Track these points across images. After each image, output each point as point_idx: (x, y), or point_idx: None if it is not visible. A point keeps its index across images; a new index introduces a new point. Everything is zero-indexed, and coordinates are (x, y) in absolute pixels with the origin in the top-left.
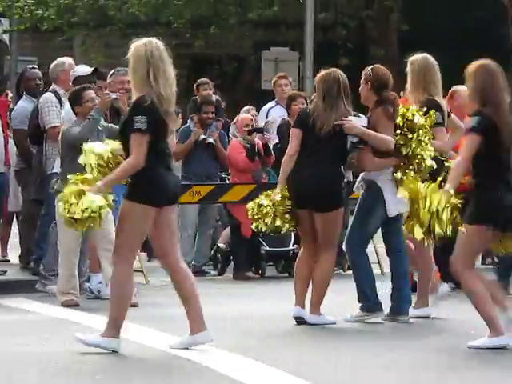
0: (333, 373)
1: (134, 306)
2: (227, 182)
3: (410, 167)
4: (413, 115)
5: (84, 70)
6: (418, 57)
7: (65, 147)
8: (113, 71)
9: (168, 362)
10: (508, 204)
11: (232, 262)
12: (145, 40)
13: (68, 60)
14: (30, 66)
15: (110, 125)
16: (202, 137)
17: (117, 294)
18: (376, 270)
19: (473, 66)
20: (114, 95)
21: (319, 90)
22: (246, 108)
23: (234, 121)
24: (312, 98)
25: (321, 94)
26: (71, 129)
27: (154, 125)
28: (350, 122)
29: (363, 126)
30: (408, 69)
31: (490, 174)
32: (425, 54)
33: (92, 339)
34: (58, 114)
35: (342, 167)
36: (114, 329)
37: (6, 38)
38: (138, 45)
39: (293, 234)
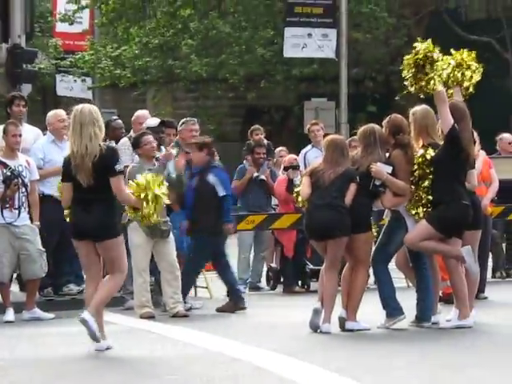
0: (383, 373)
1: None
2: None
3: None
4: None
5: (153, 122)
6: (417, 108)
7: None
8: (183, 120)
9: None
10: None
11: (282, 279)
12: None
13: (144, 112)
14: (115, 118)
15: (174, 175)
16: (255, 174)
17: None
18: (402, 284)
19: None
20: (174, 152)
21: (360, 142)
22: (278, 149)
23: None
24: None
25: (361, 146)
26: (134, 168)
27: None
28: (377, 168)
29: (388, 173)
30: (410, 119)
31: None
32: (424, 105)
33: None
34: (131, 156)
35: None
36: None
37: (89, 93)
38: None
39: None
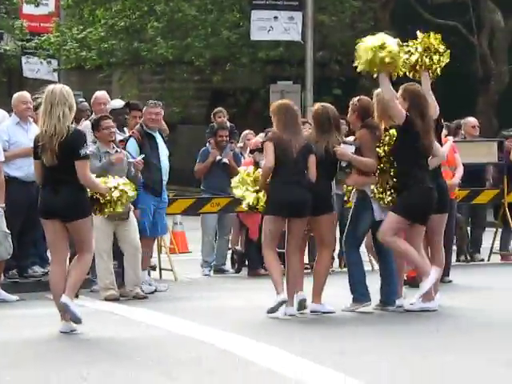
0: (352, 356)
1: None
2: None
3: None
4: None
5: (117, 104)
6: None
7: None
8: (147, 104)
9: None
10: None
11: (246, 262)
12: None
13: (103, 93)
14: (80, 100)
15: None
16: (218, 157)
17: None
18: (367, 267)
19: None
20: (132, 160)
21: (313, 123)
22: (245, 132)
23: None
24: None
25: (314, 127)
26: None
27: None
28: (341, 150)
29: (352, 153)
30: (374, 100)
31: None
32: None
33: None
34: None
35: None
36: None
37: (55, 75)
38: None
39: None
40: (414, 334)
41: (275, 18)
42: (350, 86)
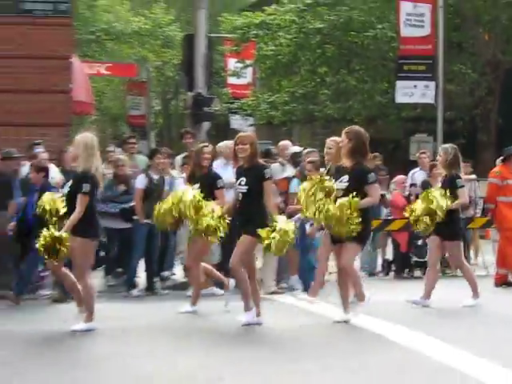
0: None
1: None
2: None
3: None
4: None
5: (297, 149)
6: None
7: None
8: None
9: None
10: None
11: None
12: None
13: (285, 142)
14: (270, 147)
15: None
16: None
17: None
18: None
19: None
20: None
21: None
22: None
23: None
24: None
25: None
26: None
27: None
28: None
29: None
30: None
31: None
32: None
33: None
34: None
35: None
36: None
37: (251, 128)
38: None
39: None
40: None
41: (415, 86)
42: (470, 137)
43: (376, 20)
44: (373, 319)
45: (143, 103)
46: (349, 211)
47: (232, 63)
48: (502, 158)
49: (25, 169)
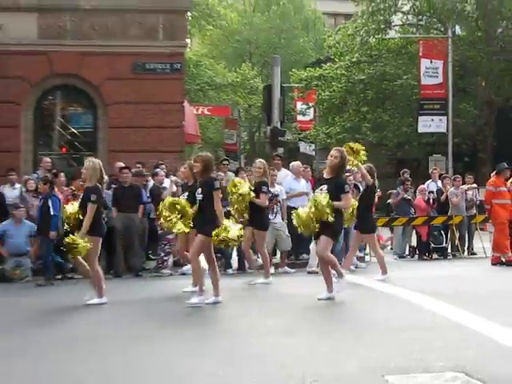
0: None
1: None
2: None
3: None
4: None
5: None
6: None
7: None
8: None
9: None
10: None
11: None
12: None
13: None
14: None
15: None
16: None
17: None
18: None
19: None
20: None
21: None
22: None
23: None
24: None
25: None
26: None
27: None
28: None
29: None
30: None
31: None
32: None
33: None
34: None
35: None
36: None
37: (313, 152)
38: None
39: None
40: None
41: (432, 120)
42: (473, 158)
43: (403, 72)
44: (403, 289)
45: (235, 135)
46: (328, 209)
47: (299, 105)
48: (495, 171)
49: (150, 183)
